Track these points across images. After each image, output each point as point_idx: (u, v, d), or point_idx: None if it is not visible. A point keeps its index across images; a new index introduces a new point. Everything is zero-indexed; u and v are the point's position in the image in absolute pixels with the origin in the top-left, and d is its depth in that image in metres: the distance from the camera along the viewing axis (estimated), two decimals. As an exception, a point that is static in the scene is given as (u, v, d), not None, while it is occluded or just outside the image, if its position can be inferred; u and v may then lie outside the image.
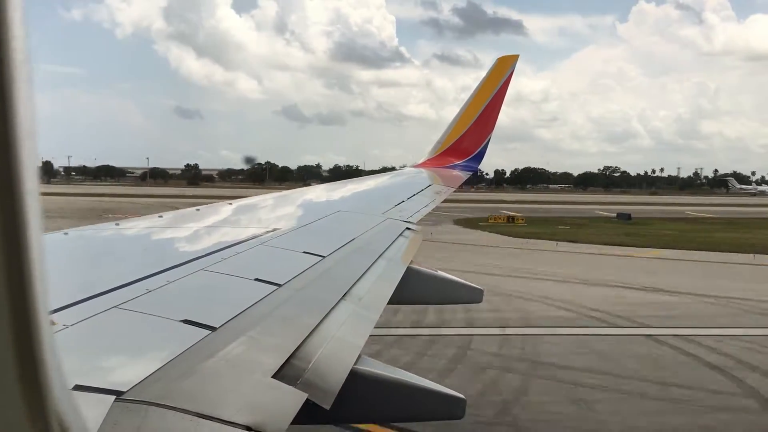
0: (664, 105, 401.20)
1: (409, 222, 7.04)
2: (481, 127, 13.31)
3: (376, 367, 2.97)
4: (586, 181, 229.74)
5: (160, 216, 5.47)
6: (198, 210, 6.10)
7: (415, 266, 5.31)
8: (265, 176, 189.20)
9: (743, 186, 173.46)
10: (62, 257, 3.84)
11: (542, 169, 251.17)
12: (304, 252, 4.41)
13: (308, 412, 2.27)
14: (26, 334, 0.96)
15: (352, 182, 11.49)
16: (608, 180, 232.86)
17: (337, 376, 2.57)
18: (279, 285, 3.44)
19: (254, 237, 4.66)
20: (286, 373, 2.39)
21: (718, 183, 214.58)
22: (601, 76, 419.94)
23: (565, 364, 14.98)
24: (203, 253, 3.90)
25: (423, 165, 13.51)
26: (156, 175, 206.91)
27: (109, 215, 50.65)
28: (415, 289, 5.17)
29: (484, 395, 12.71)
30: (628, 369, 14.71)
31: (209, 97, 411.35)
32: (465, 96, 13.74)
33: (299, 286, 3.59)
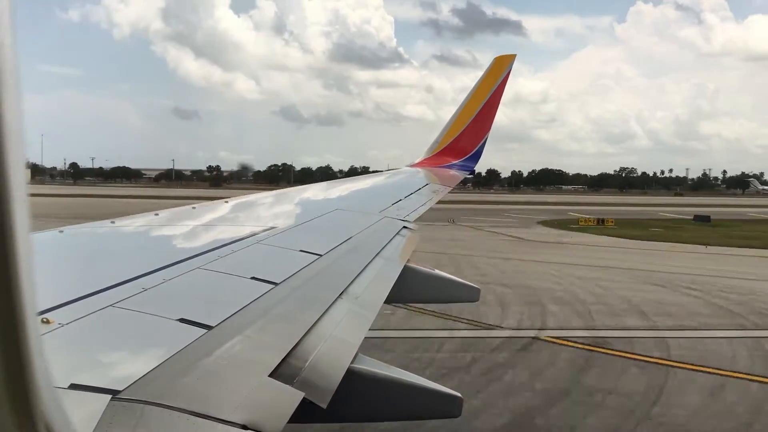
0: (662, 106, 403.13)
1: (406, 221, 7.03)
2: (479, 127, 13.31)
3: (373, 366, 2.97)
4: (601, 183, 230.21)
5: (156, 214, 5.46)
6: (194, 208, 6.08)
7: (412, 265, 5.30)
8: (285, 177, 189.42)
9: (765, 187, 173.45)
10: (57, 255, 3.83)
11: (559, 170, 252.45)
12: (301, 250, 4.41)
13: (305, 411, 2.26)
14: (12, 335, 0.95)
15: (349, 181, 11.48)
16: (625, 181, 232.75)
17: (334, 375, 2.56)
18: (276, 284, 3.43)
19: (251, 235, 4.65)
20: (282, 371, 2.38)
21: (734, 183, 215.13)
22: (599, 77, 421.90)
23: None
24: (199, 252, 3.89)
25: (420, 164, 13.50)
26: (170, 177, 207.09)
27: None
28: (412, 288, 5.17)
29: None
30: None
31: (207, 98, 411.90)
32: (463, 96, 13.74)
33: (296, 284, 3.58)
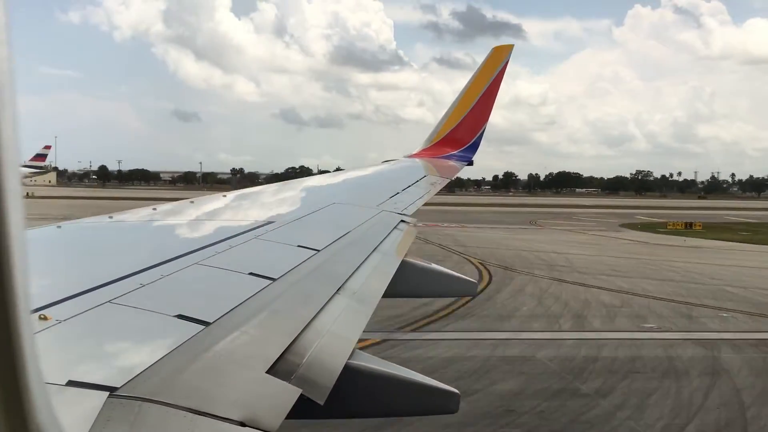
0: (660, 108, 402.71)
1: (403, 214, 7.03)
2: (477, 117, 13.27)
3: (370, 362, 2.98)
4: (616, 185, 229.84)
5: (154, 209, 5.45)
6: (192, 202, 6.08)
7: (409, 259, 5.31)
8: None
9: None
10: (55, 251, 3.83)
11: (576, 173, 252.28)
12: (299, 246, 4.41)
13: (303, 407, 2.27)
14: (4, 333, 0.96)
15: (347, 173, 11.45)
16: (641, 184, 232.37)
17: (331, 371, 2.57)
18: (273, 279, 3.43)
19: (249, 230, 4.65)
20: (280, 368, 2.39)
21: (750, 187, 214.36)
22: (597, 80, 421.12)
23: None
24: (197, 247, 3.89)
25: (418, 155, 13.46)
26: (187, 180, 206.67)
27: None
28: (409, 283, 5.17)
29: None
30: None
31: (208, 100, 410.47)
32: (462, 97, 13.70)
33: (293, 280, 3.59)
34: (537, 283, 31.29)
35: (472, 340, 20.30)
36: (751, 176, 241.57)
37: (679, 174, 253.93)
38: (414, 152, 13.74)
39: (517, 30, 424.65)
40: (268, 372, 2.32)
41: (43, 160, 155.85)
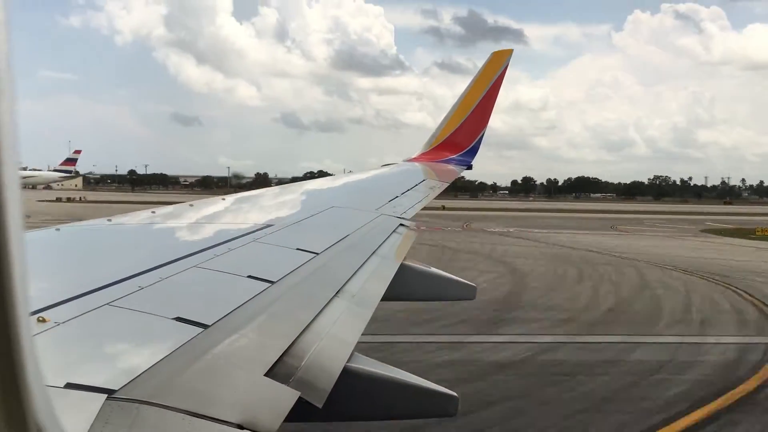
0: (660, 113, 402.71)
1: (402, 218, 7.04)
2: (476, 121, 13.30)
3: (368, 365, 2.98)
4: (633, 190, 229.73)
5: (153, 212, 5.46)
6: (191, 205, 6.09)
7: (408, 263, 5.32)
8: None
9: None
10: (54, 254, 3.83)
11: (596, 178, 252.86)
12: (298, 249, 4.41)
13: (301, 410, 2.27)
14: (4, 334, 0.96)
15: (346, 177, 11.47)
16: (659, 189, 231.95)
17: (329, 374, 2.57)
18: (272, 282, 3.44)
19: (247, 233, 4.65)
20: (278, 371, 2.39)
21: (764, 192, 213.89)
22: (597, 85, 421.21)
23: None
24: (196, 250, 3.89)
25: (417, 159, 13.48)
26: (205, 184, 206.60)
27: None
28: (408, 286, 5.18)
29: None
30: None
31: (209, 104, 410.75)
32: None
33: (292, 283, 3.59)
34: None
35: None
36: (761, 182, 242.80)
37: (690, 179, 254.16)
38: (413, 156, 13.76)
39: (518, 35, 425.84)
40: (266, 375, 2.32)
41: (74, 165, 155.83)
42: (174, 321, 2.59)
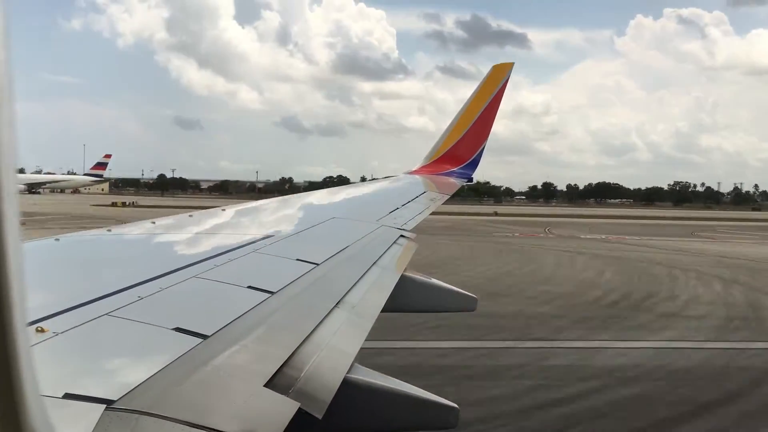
0: (662, 118, 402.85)
1: (403, 229, 7.03)
2: (477, 134, 13.35)
3: (368, 376, 2.96)
4: (651, 196, 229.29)
5: (153, 222, 5.46)
6: (191, 216, 6.09)
7: (409, 274, 5.31)
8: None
9: None
10: (53, 264, 3.82)
11: (617, 183, 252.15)
12: (298, 259, 4.40)
13: (300, 422, 2.25)
14: (0, 343, 0.95)
15: (347, 188, 11.49)
16: (679, 195, 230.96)
17: (329, 385, 2.56)
18: (272, 293, 3.43)
19: (247, 244, 4.64)
20: (278, 381, 2.38)
21: None
22: (600, 90, 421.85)
23: None
24: (196, 260, 3.88)
25: (418, 171, 13.54)
26: (223, 189, 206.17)
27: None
28: (409, 297, 5.16)
29: None
30: None
31: (210, 108, 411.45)
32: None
33: (292, 293, 3.58)
34: None
35: None
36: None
37: (703, 185, 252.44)
38: (414, 169, 13.81)
39: (522, 40, 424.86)
40: (266, 385, 2.31)
41: (103, 169, 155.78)
42: (173, 331, 2.58)
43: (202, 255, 4.12)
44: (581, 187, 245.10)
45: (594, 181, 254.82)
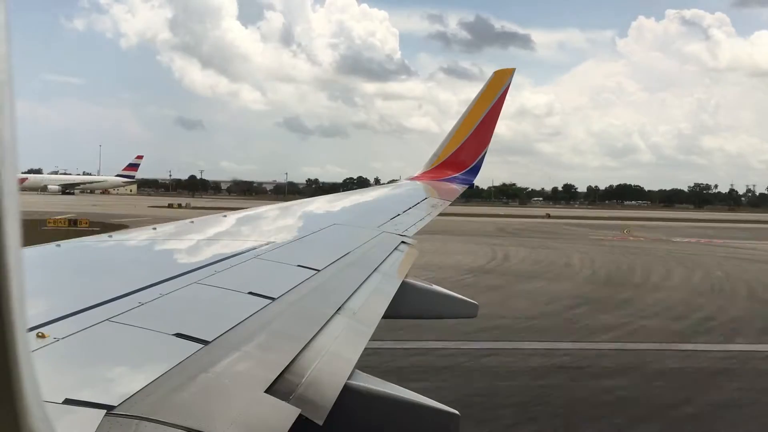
0: (664, 120, 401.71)
1: (404, 235, 7.03)
2: (478, 140, 13.36)
3: (369, 382, 2.96)
4: (671, 198, 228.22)
5: (154, 228, 5.46)
6: (192, 222, 6.09)
7: (410, 280, 5.30)
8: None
9: None
10: (55, 270, 3.83)
11: (638, 185, 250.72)
12: (299, 265, 4.40)
13: (301, 428, 2.25)
14: (1, 348, 0.95)
15: (348, 195, 11.50)
16: (700, 197, 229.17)
17: (330, 392, 2.55)
18: (273, 299, 3.43)
19: (249, 250, 4.65)
20: (279, 387, 2.37)
21: None
22: (601, 91, 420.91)
23: None
24: (197, 266, 3.88)
25: (419, 177, 13.55)
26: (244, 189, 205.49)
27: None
28: (410, 303, 5.16)
29: None
30: None
31: (212, 108, 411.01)
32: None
33: (293, 299, 3.58)
34: None
35: None
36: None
37: (716, 186, 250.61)
38: (415, 174, 13.82)
39: (525, 40, 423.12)
40: (266, 391, 2.31)
41: (135, 170, 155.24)
42: (174, 337, 2.57)
43: (203, 261, 4.12)
44: (602, 188, 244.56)
45: (594, 183, 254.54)
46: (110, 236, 4.99)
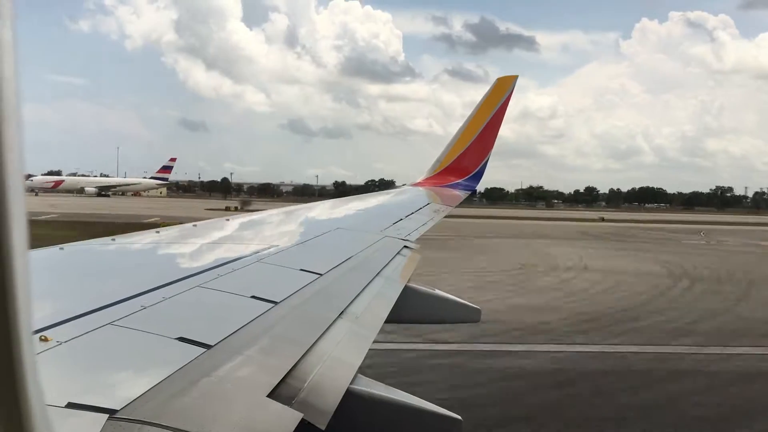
0: (668, 122, 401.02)
1: (407, 240, 7.03)
2: (481, 147, 13.39)
3: (372, 387, 2.95)
4: (691, 201, 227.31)
5: (157, 231, 5.47)
6: (195, 226, 6.10)
7: (412, 285, 5.30)
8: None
9: None
10: (57, 273, 3.83)
11: (660, 188, 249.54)
12: (301, 269, 4.40)
13: None
14: (6, 352, 0.95)
15: (352, 200, 11.51)
16: (722, 200, 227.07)
17: (332, 396, 2.55)
18: (275, 303, 3.43)
19: (251, 254, 4.65)
20: (281, 392, 2.37)
21: None
22: (605, 93, 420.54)
23: None
24: (199, 270, 3.88)
25: (422, 183, 13.58)
26: (265, 191, 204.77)
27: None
28: (412, 308, 5.16)
29: None
30: None
31: (216, 110, 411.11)
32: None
33: (296, 303, 3.58)
34: None
35: None
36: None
37: (731, 189, 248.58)
38: (418, 180, 13.84)
39: (530, 42, 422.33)
40: (269, 396, 2.30)
41: (169, 172, 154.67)
42: (177, 341, 2.57)
43: (206, 265, 4.12)
44: (625, 190, 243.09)
45: (595, 185, 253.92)
46: (113, 239, 4.99)
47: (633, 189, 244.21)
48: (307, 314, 3.51)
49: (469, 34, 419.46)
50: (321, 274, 4.37)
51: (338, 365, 2.89)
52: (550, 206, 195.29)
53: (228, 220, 6.82)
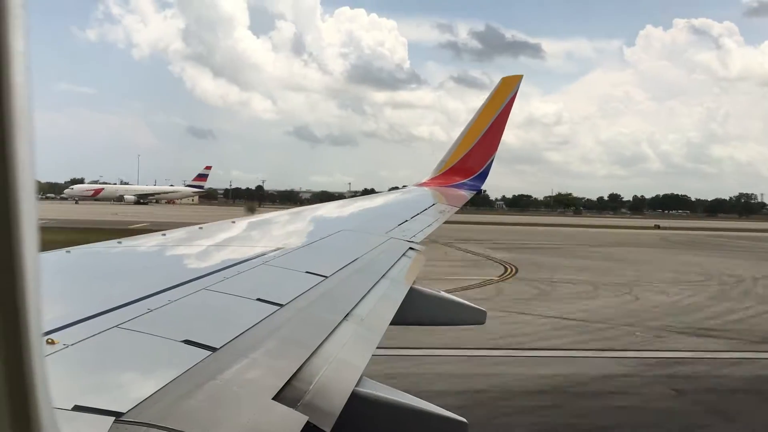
0: (673, 129, 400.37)
1: (412, 242, 7.03)
2: (486, 146, 13.37)
3: (377, 390, 2.95)
4: (715, 208, 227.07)
5: (163, 234, 5.48)
6: (201, 228, 6.11)
7: (417, 287, 5.30)
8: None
9: None
10: (64, 276, 3.84)
11: (685, 195, 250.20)
12: (307, 272, 4.41)
13: None
14: (16, 355, 0.95)
15: (356, 201, 11.51)
16: (745, 207, 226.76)
17: (338, 399, 2.55)
18: (281, 305, 3.43)
19: (257, 256, 4.65)
20: (286, 395, 2.37)
21: None
22: (609, 100, 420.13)
23: None
24: (205, 273, 3.89)
25: (427, 183, 13.56)
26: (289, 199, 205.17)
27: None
28: (418, 310, 5.15)
29: None
30: None
31: (223, 117, 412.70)
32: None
33: (301, 306, 3.58)
34: None
35: None
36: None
37: (754, 196, 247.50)
38: (423, 181, 13.83)
39: (536, 50, 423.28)
40: (274, 398, 2.31)
41: (205, 180, 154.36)
42: (182, 344, 2.58)
43: (211, 267, 4.13)
44: (648, 197, 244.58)
45: (599, 192, 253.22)
46: (119, 242, 5.01)
47: (657, 196, 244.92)
48: (312, 317, 3.52)
49: (475, 41, 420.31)
50: (326, 277, 4.38)
51: (344, 367, 2.90)
52: (578, 213, 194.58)
53: (234, 222, 6.83)
